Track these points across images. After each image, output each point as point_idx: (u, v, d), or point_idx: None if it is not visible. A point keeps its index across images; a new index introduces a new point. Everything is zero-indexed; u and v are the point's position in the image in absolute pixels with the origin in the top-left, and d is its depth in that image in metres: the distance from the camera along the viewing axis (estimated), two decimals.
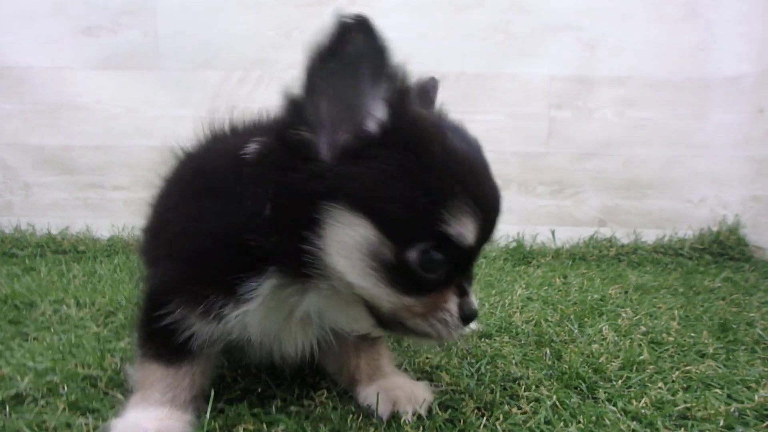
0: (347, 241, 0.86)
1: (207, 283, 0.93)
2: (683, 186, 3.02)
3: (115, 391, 1.15)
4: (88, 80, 3.05)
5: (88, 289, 2.10)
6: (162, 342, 1.02)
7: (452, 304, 0.92)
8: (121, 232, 3.03)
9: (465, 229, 0.88)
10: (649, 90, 2.97)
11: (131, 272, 2.40)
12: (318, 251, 0.86)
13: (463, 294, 0.93)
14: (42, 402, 1.10)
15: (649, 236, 2.99)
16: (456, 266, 0.91)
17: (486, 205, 0.92)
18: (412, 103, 0.94)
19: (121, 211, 3.10)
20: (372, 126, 0.87)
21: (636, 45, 2.95)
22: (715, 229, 2.94)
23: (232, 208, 0.91)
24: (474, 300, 0.95)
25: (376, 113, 0.87)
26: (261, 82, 3.05)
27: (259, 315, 0.95)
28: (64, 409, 1.07)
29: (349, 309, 0.95)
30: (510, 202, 3.36)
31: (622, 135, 3.01)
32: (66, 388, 1.16)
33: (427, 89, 1.12)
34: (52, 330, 1.61)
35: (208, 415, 1.00)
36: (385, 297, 0.89)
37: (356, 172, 0.86)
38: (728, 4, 2.88)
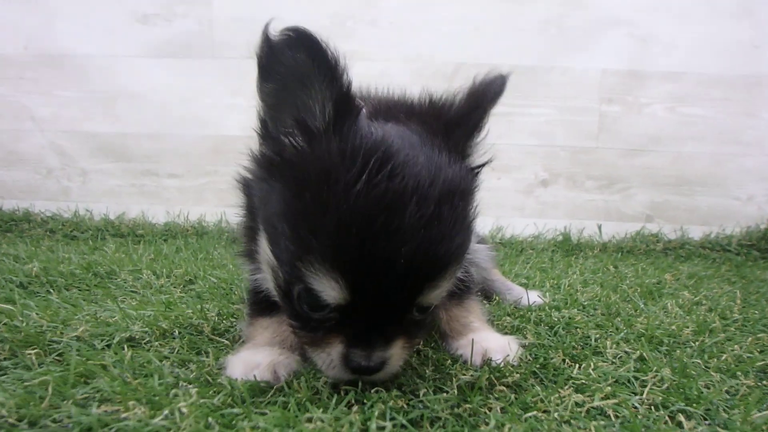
0: (261, 253, 0.95)
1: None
2: (732, 183, 3.03)
3: (220, 339, 1.22)
4: (143, 69, 3.09)
5: (159, 263, 2.10)
6: (265, 300, 1.10)
7: (334, 349, 0.86)
8: (177, 219, 3.09)
9: (325, 287, 0.80)
10: (701, 86, 2.97)
11: (195, 252, 2.47)
12: (257, 249, 0.98)
13: (353, 345, 0.85)
14: (156, 344, 1.15)
15: (696, 232, 3.02)
16: (346, 316, 0.84)
17: (361, 267, 0.78)
18: (346, 124, 0.82)
19: (176, 198, 3.16)
20: (292, 144, 0.85)
21: (689, 41, 2.95)
22: (762, 226, 2.96)
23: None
24: (368, 354, 0.85)
25: (300, 131, 0.85)
26: None
27: None
28: (179, 349, 1.13)
29: None
30: (557, 196, 3.37)
31: (672, 131, 3.01)
32: (178, 333, 1.22)
33: (491, 87, 1.01)
34: (141, 294, 1.63)
35: None
36: (286, 316, 0.96)
37: (265, 189, 0.90)
38: None
